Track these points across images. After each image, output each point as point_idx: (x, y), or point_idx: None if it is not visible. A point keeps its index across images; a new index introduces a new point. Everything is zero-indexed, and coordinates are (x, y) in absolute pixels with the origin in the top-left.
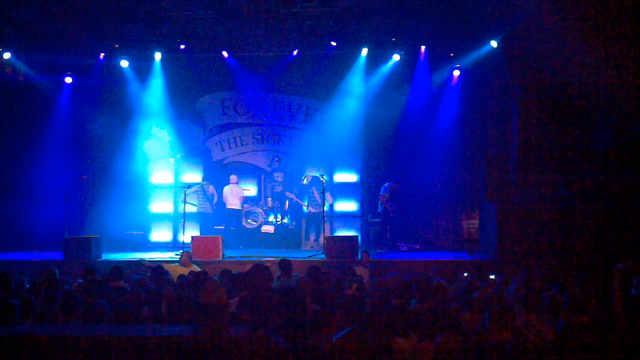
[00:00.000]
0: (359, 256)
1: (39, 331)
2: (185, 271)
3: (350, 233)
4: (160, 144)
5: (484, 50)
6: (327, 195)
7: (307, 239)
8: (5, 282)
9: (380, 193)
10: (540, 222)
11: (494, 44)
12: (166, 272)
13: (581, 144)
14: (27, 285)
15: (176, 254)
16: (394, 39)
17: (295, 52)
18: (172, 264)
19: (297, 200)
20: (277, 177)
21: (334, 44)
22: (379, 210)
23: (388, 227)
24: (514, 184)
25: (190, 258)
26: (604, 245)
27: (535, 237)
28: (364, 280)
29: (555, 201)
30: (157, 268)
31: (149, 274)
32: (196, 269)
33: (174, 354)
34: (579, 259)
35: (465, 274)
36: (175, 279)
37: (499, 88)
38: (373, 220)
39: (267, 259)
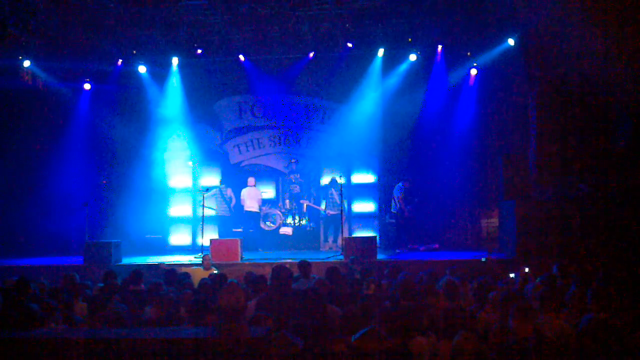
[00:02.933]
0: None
1: (59, 335)
2: (205, 274)
3: (369, 234)
4: (178, 148)
5: (501, 48)
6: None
7: (326, 240)
8: (25, 287)
9: (394, 193)
10: (560, 219)
11: (511, 42)
12: (182, 275)
13: (601, 140)
14: (48, 290)
15: (196, 257)
16: (410, 39)
17: (311, 54)
18: (193, 267)
19: (313, 205)
20: (295, 179)
21: (350, 45)
22: (393, 211)
23: (405, 227)
24: (533, 181)
25: (211, 261)
26: (626, 242)
27: (555, 235)
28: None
29: (575, 198)
30: (171, 271)
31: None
32: (214, 271)
33: (192, 356)
34: (600, 256)
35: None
36: (196, 282)
37: (517, 86)
38: (390, 220)
39: (286, 260)
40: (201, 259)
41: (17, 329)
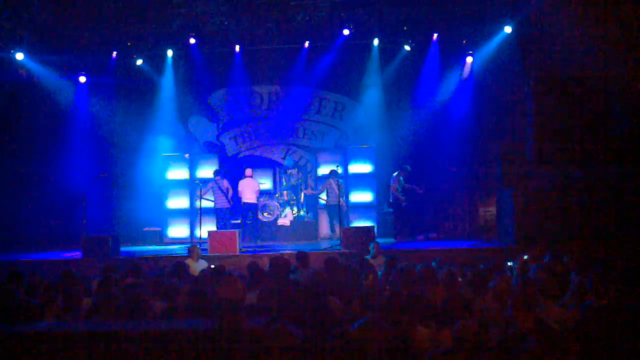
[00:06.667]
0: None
1: (58, 328)
2: (199, 265)
3: (367, 223)
4: (174, 140)
5: (497, 36)
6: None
7: (325, 230)
8: (18, 280)
9: (390, 184)
10: (558, 207)
11: (507, 29)
12: (186, 267)
13: (598, 128)
14: (45, 285)
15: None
16: (405, 28)
17: (307, 44)
18: (186, 260)
19: (314, 192)
20: (292, 169)
21: (346, 32)
22: (390, 201)
23: (403, 216)
24: (531, 169)
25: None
26: (623, 230)
27: (553, 223)
28: (380, 271)
29: (573, 186)
30: (178, 264)
31: (167, 270)
32: (204, 263)
33: (191, 347)
34: (597, 243)
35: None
36: (195, 274)
37: (514, 74)
38: (388, 210)
39: (284, 251)
40: (189, 249)
41: (15, 322)
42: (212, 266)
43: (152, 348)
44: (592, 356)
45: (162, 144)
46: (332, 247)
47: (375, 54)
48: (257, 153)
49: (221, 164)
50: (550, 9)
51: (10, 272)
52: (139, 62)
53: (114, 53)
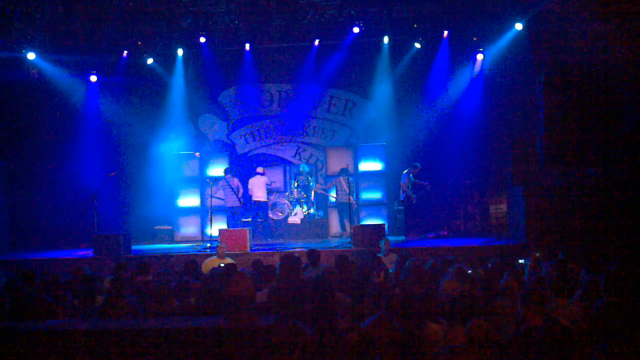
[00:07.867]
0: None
1: (71, 326)
2: (218, 263)
3: (377, 221)
4: (185, 138)
5: (508, 33)
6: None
7: (335, 228)
8: (31, 279)
9: (401, 182)
10: (569, 205)
11: (518, 26)
12: (198, 265)
13: (609, 126)
14: (60, 283)
15: (205, 248)
16: (415, 25)
17: (317, 43)
18: (211, 258)
19: (324, 192)
20: (302, 167)
21: (356, 30)
22: (401, 199)
23: (414, 214)
24: (542, 166)
25: (225, 250)
26: (635, 227)
27: (564, 220)
28: (391, 269)
29: (584, 183)
30: (191, 262)
31: (178, 268)
32: (229, 261)
33: (202, 345)
34: (609, 241)
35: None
36: (207, 272)
37: (524, 71)
38: (399, 208)
39: (294, 249)
40: (216, 247)
41: (28, 320)
42: (222, 264)
43: (163, 346)
44: (602, 354)
45: (173, 142)
46: (342, 245)
47: (385, 51)
48: (268, 151)
49: (231, 162)
50: (561, 5)
51: (23, 270)
52: (150, 61)
53: (125, 52)
